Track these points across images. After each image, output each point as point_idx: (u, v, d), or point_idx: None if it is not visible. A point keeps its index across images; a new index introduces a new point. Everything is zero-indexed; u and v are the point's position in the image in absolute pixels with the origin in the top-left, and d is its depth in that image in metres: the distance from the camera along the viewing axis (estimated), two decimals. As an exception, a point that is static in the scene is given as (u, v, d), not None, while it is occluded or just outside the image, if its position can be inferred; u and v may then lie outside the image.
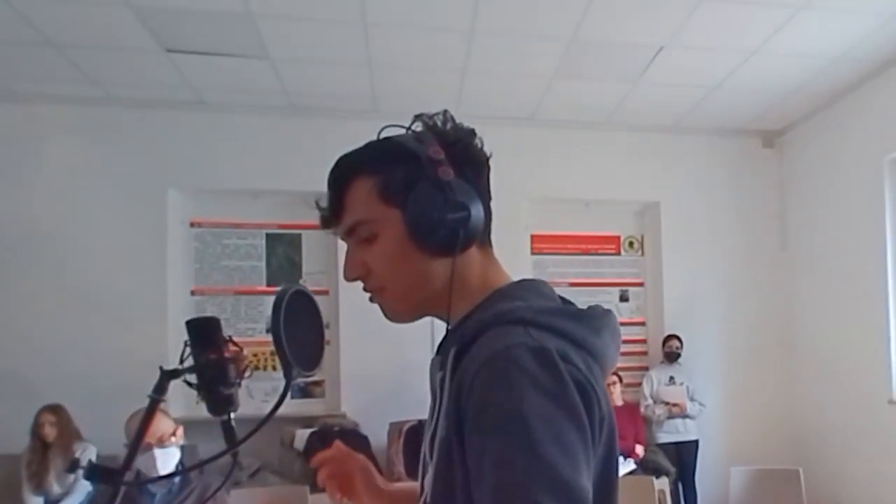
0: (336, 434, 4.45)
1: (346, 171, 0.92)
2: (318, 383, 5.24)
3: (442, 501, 0.82)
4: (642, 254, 5.81)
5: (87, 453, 4.13)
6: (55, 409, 4.11)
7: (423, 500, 0.86)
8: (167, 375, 0.99)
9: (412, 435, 4.42)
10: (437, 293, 0.92)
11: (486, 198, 0.93)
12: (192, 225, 5.19)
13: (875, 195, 4.64)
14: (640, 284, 5.79)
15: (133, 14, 3.74)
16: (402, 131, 0.93)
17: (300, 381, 5.20)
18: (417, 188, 0.88)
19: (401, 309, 0.96)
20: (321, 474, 1.13)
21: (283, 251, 5.29)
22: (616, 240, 5.78)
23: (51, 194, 4.79)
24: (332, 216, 0.95)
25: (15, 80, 4.62)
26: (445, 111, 0.94)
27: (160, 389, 0.99)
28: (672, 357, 5.31)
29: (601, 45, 4.15)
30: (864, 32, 4.02)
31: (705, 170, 5.64)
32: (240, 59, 4.29)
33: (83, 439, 4.15)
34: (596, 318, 0.90)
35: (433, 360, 0.95)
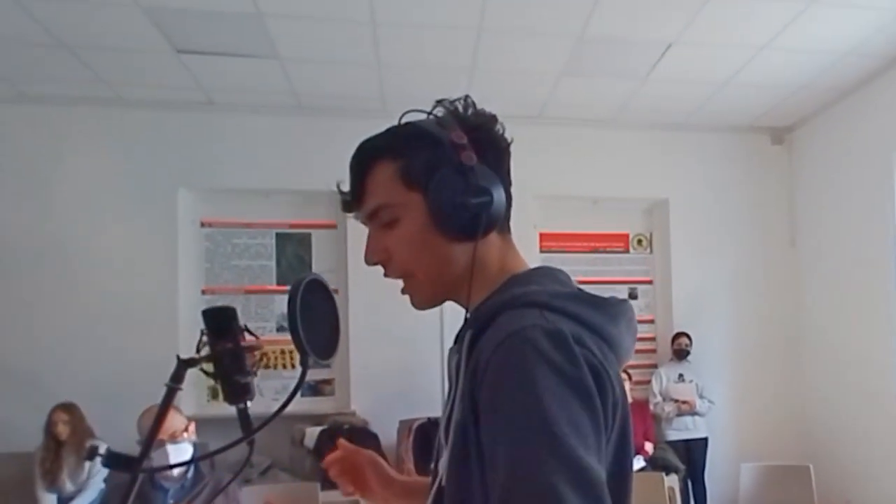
0: (346, 432, 4.47)
1: (368, 155, 0.92)
2: (328, 381, 5.27)
3: (457, 484, 0.82)
4: (651, 251, 5.80)
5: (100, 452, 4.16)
6: (68, 408, 4.14)
7: (437, 483, 0.86)
8: (184, 364, 1.00)
9: (422, 433, 4.43)
10: (457, 278, 0.92)
11: (507, 183, 0.93)
12: (202, 225, 5.23)
13: (884, 191, 4.62)
14: (649, 282, 5.78)
15: (145, 15, 3.77)
16: (424, 117, 0.93)
17: (310, 379, 5.22)
18: (440, 172, 0.88)
19: (424, 295, 0.95)
20: (332, 472, 1.14)
21: (292, 250, 5.32)
22: (625, 237, 5.78)
23: (62, 194, 4.83)
24: (353, 200, 0.95)
25: (27, 83, 4.66)
26: (467, 96, 0.94)
27: (177, 378, 1.00)
28: (681, 354, 5.30)
29: (609, 42, 4.15)
30: (874, 28, 4.01)
31: (714, 167, 5.63)
32: (250, 59, 4.32)
33: (96, 437, 4.18)
34: (612, 306, 0.90)
35: (451, 349, 0.95)
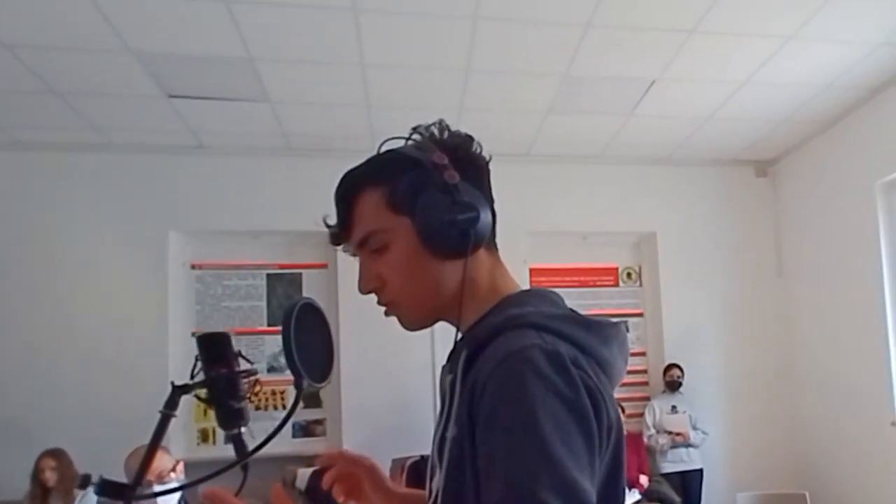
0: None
1: (353, 185, 0.94)
2: (319, 422, 5.21)
3: (452, 502, 0.82)
4: (640, 284, 5.84)
5: (88, 498, 4.08)
6: (56, 454, 4.07)
7: (431, 502, 0.86)
8: (178, 390, 1.00)
9: (415, 471, 4.38)
10: (448, 298, 0.92)
11: (490, 200, 0.95)
12: (192, 267, 5.22)
13: (869, 219, 4.69)
14: (640, 314, 5.80)
15: (138, 62, 3.82)
16: (402, 143, 0.95)
17: (301, 419, 5.17)
18: (425, 193, 0.89)
19: (416, 317, 0.96)
20: (328, 476, 1.11)
21: (283, 291, 5.31)
22: (614, 271, 5.82)
23: (53, 239, 4.83)
24: (341, 231, 0.96)
25: (19, 130, 4.70)
26: (441, 121, 0.96)
27: (171, 405, 1.00)
28: (673, 386, 5.30)
29: (594, 80, 4.24)
30: (852, 61, 4.11)
31: (700, 200, 5.71)
32: (240, 102, 4.37)
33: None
34: (605, 328, 0.90)
35: (443, 367, 0.95)
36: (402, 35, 3.69)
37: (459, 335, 0.93)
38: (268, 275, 5.31)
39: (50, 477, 4.00)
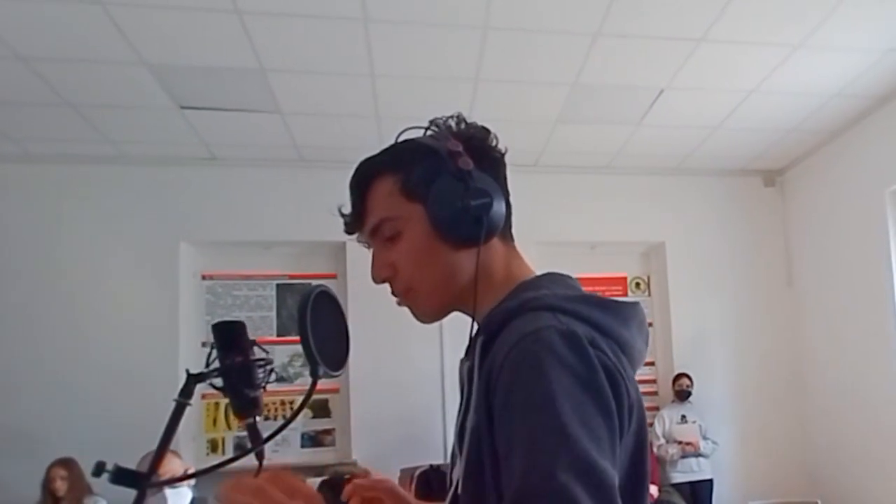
0: (347, 482, 4.39)
1: (367, 173, 0.94)
2: (328, 432, 5.21)
3: (473, 491, 0.81)
4: (649, 294, 5.82)
5: (99, 505, 4.09)
6: (66, 464, 4.08)
7: (452, 491, 0.85)
8: (193, 378, 1.01)
9: (424, 480, 4.36)
10: (463, 288, 0.92)
11: (505, 191, 0.95)
12: (203, 277, 5.25)
13: (879, 227, 4.67)
14: (649, 324, 5.73)
15: (150, 73, 3.87)
16: (419, 134, 0.96)
17: (310, 430, 5.16)
18: (439, 180, 0.90)
19: (430, 307, 0.95)
20: (353, 503, 1.11)
21: (293, 301, 5.32)
22: (623, 281, 5.82)
23: (65, 251, 4.87)
24: (355, 219, 0.96)
25: (32, 142, 4.75)
26: (458, 114, 0.97)
27: (186, 393, 1.01)
28: (683, 396, 5.28)
29: (602, 89, 4.26)
30: (860, 69, 4.12)
31: (709, 210, 5.71)
32: (251, 113, 4.41)
33: (94, 493, 4.10)
34: (624, 308, 0.89)
35: (462, 360, 0.95)
36: (412, 45, 3.72)
37: (475, 325, 0.92)
38: (277, 285, 5.33)
39: (60, 486, 4.01)
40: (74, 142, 4.73)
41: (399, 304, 0.97)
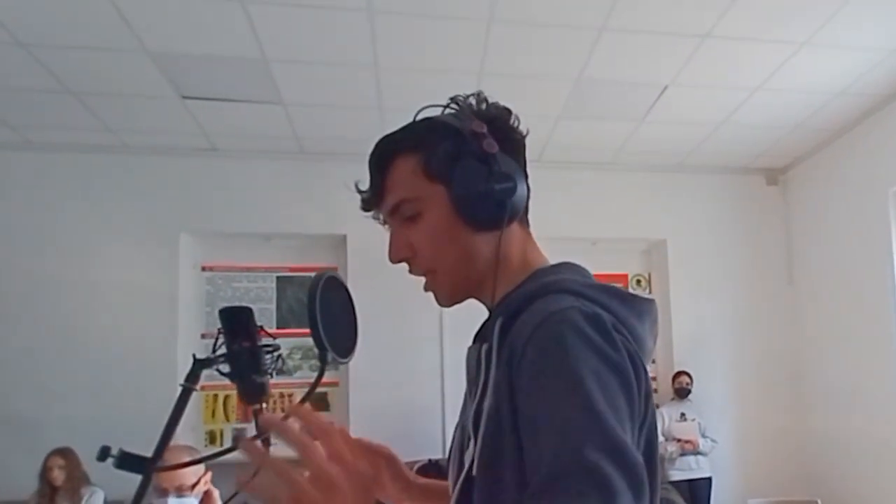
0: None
1: (388, 150, 0.92)
2: (328, 426, 5.19)
3: (489, 472, 0.79)
4: (650, 291, 5.81)
5: (95, 497, 4.08)
6: (64, 453, 4.08)
7: (463, 474, 0.83)
8: (200, 364, 1.00)
9: (423, 475, 4.35)
10: (480, 272, 0.91)
11: (526, 175, 0.94)
12: (203, 269, 5.23)
13: (881, 227, 4.66)
14: (651, 323, 5.76)
15: (153, 62, 3.85)
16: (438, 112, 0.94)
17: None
18: (462, 162, 0.88)
19: (450, 287, 0.93)
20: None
21: (293, 294, 5.31)
22: (624, 278, 5.80)
23: (65, 240, 4.85)
24: (374, 197, 0.94)
25: (31, 130, 4.73)
26: (480, 92, 0.95)
27: (192, 378, 1.00)
28: (682, 393, 5.27)
29: (606, 84, 4.24)
30: (864, 68, 4.11)
31: (711, 208, 5.70)
32: (253, 104, 4.39)
33: (91, 483, 4.10)
34: (640, 302, 0.89)
35: (470, 348, 0.93)
36: (417, 37, 3.70)
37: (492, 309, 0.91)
38: (278, 277, 5.31)
39: (58, 476, 4.01)
40: (75, 130, 4.71)
41: (426, 289, 0.95)
